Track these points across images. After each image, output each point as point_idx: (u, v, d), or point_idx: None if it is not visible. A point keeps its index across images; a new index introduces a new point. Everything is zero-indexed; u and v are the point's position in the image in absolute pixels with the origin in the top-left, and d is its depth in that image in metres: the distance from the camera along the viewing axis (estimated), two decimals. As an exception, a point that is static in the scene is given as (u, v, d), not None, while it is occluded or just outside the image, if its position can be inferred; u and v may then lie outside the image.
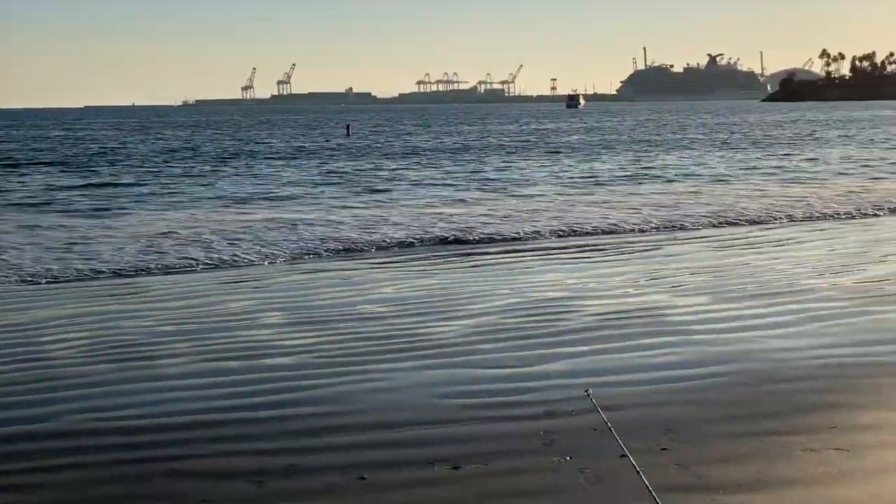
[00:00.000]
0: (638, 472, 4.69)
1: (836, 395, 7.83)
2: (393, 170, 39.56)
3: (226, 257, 16.75)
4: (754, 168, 38.21)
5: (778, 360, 9.05)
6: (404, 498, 5.91)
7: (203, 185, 32.83)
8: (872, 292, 12.43)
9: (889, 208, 23.20)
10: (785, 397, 7.82)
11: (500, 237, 19.16)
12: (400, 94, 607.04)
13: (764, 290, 12.67)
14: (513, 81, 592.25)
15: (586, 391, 6.32)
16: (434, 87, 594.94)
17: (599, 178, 34.02)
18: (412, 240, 18.80)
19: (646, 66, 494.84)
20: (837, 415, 7.30)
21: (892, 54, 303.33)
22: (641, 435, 6.91)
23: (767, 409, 7.53)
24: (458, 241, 18.75)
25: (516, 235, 19.39)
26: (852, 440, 6.70)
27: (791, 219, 21.58)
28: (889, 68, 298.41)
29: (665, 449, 6.63)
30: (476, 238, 19.07)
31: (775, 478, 6.03)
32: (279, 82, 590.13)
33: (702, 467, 6.24)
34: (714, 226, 20.64)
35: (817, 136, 66.86)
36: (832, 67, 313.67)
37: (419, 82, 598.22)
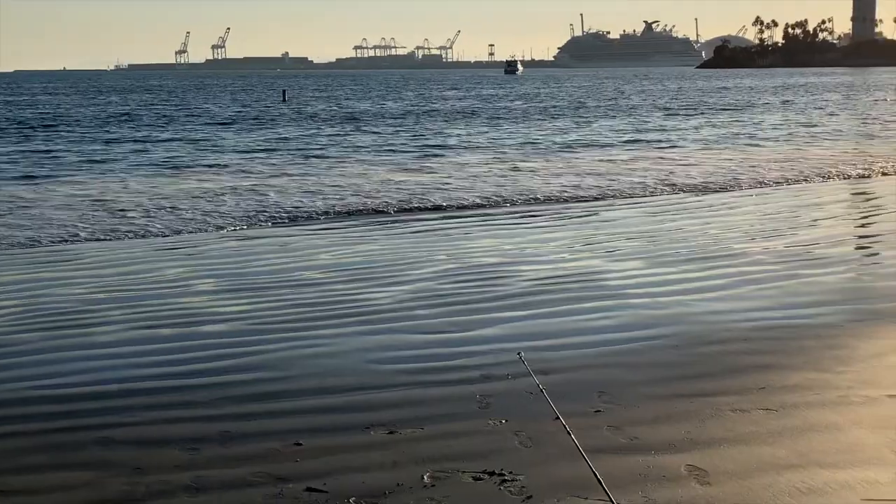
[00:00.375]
0: (569, 433, 4.75)
1: (766, 357, 7.99)
2: (331, 136, 39.27)
3: (160, 224, 16.52)
4: (696, 133, 38.64)
5: (710, 323, 9.21)
6: (341, 462, 5.91)
7: (138, 151, 32.27)
8: (802, 256, 12.68)
9: (820, 174, 23.64)
10: (717, 359, 7.96)
11: (440, 204, 19.13)
12: (337, 60, 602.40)
13: (697, 255, 12.86)
14: (451, 47, 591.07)
15: (519, 354, 6.38)
16: (371, 53, 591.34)
17: (539, 145, 34.14)
18: (350, 207, 18.70)
19: (583, 32, 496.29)
20: (767, 375, 7.45)
21: (823, 22, 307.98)
22: (576, 397, 7.00)
23: (699, 370, 7.66)
24: (398, 208, 18.69)
25: (456, 202, 19.39)
26: (781, 400, 6.85)
27: (727, 185, 21.84)
28: (821, 36, 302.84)
29: (599, 411, 6.72)
30: (416, 205, 19.02)
31: (706, 437, 6.15)
32: (214, 47, 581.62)
33: (634, 428, 6.33)
34: (651, 193, 20.83)
35: (754, 102, 67.71)
36: (765, 35, 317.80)
37: (356, 47, 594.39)
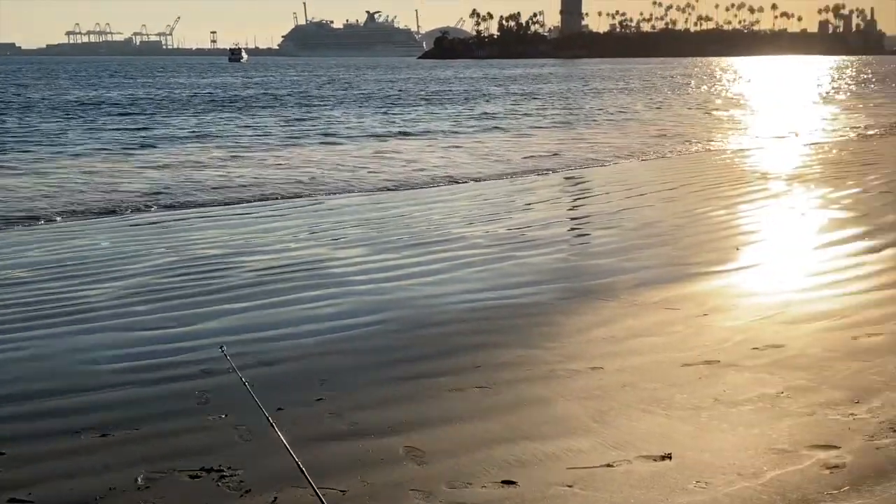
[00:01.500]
0: (271, 424, 4.76)
1: (481, 337, 8.31)
2: (29, 129, 36.96)
3: None
4: (416, 126, 39.54)
5: (429, 306, 9.46)
6: (48, 470, 5.58)
7: None
8: (516, 238, 13.28)
9: (538, 168, 24.86)
10: (434, 341, 8.19)
11: (160, 200, 18.48)
12: (48, 46, 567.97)
13: (419, 241, 13.17)
14: (170, 34, 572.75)
15: (221, 348, 6.27)
16: (86, 39, 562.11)
17: (272, 135, 33.76)
18: (62, 205, 17.72)
19: (307, 21, 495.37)
20: (481, 355, 7.74)
21: (535, 15, 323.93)
22: (298, 387, 7.00)
23: (418, 353, 7.85)
24: (117, 206, 17.89)
25: (177, 196, 18.82)
26: (493, 377, 7.14)
27: (446, 177, 22.49)
28: (533, 28, 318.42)
29: (321, 399, 6.74)
30: (135, 203, 18.28)
31: (423, 418, 6.31)
32: None
33: (356, 414, 6.40)
34: (377, 186, 21.12)
35: (475, 92, 70.16)
36: (482, 26, 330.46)
37: (69, 33, 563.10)
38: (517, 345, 8.06)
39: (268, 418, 4.77)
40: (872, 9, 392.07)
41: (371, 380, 7.16)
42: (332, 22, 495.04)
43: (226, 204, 17.58)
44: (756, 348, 7.72)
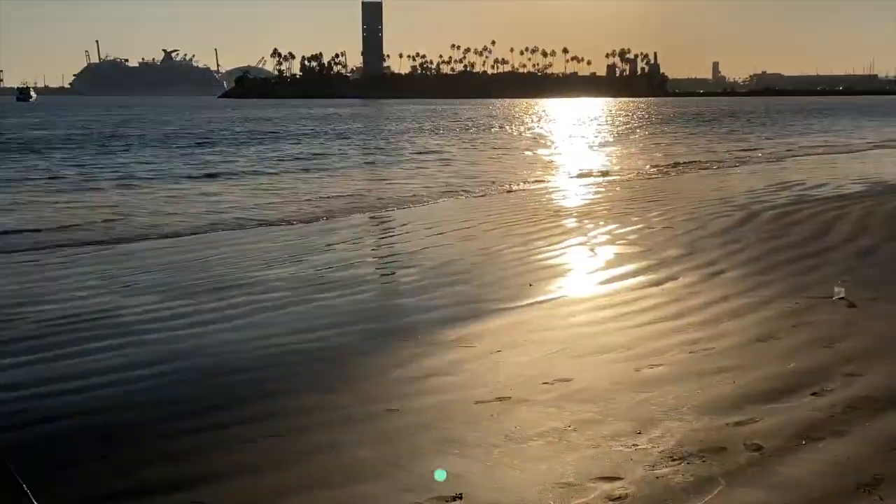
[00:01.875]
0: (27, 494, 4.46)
1: (277, 383, 8.16)
2: None
3: None
4: (213, 169, 38.87)
5: (223, 354, 9.23)
6: None
7: None
8: (316, 281, 13.18)
9: (341, 209, 24.85)
10: (227, 390, 7.98)
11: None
12: None
13: (216, 285, 12.86)
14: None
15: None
16: None
17: (64, 178, 32.37)
18: None
19: (100, 59, 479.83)
20: (276, 402, 7.59)
21: (337, 56, 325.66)
22: (81, 444, 6.66)
23: (209, 403, 7.62)
24: None
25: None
26: (287, 425, 7.01)
27: (249, 219, 22.16)
28: (335, 69, 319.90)
29: (105, 456, 6.43)
30: None
31: (213, 471, 6.11)
32: None
33: (141, 470, 6.14)
34: (174, 232, 20.56)
35: (281, 132, 69.61)
36: (284, 66, 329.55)
37: None
38: (314, 390, 7.97)
39: (22, 485, 4.45)
40: (655, 53, 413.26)
41: (158, 433, 6.89)
42: (126, 60, 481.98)
43: (7, 252, 16.63)
44: (546, 383, 7.93)
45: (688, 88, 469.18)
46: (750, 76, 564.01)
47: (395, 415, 7.22)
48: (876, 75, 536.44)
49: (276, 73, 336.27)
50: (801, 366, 8.28)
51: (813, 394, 7.46)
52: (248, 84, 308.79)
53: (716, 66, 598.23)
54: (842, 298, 10.98)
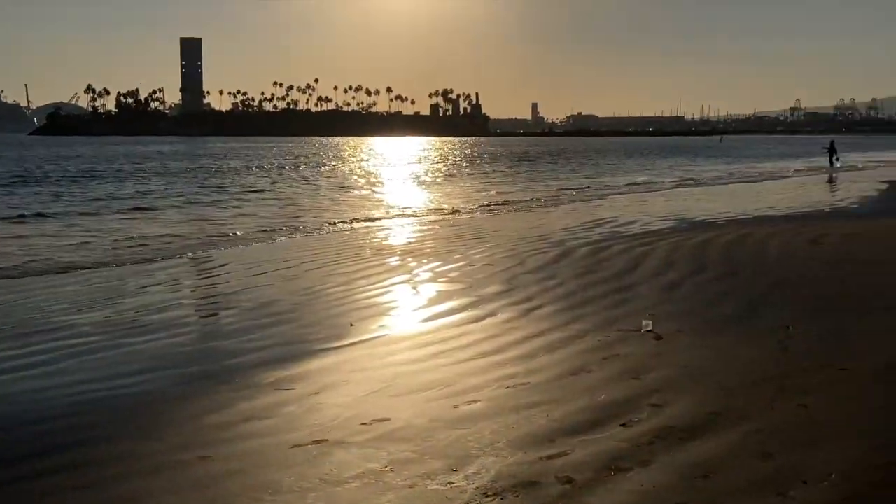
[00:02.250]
0: None
1: (84, 432, 7.82)
2: None
3: None
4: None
5: (25, 403, 8.77)
6: None
7: None
8: (129, 324, 12.73)
9: (159, 250, 24.14)
10: (29, 441, 7.58)
11: None
12: None
13: (19, 331, 12.25)
14: None
15: None
16: None
17: None
18: None
19: None
20: (82, 452, 7.27)
21: (154, 92, 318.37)
22: None
23: (14, 454, 7.22)
24: None
25: None
26: (95, 475, 6.71)
27: (62, 262, 21.24)
28: (153, 105, 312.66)
29: None
30: None
31: (11, 529, 5.81)
32: None
33: (-69, 532, 5.76)
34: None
35: (97, 171, 67.20)
36: (98, 102, 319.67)
37: None
38: (124, 438, 7.68)
39: None
40: (477, 94, 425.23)
41: (-49, 492, 6.48)
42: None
43: None
44: (364, 423, 7.91)
45: (509, 128, 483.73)
46: (567, 117, 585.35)
47: (208, 462, 7.03)
48: (682, 116, 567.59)
49: (90, 109, 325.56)
50: (610, 397, 8.57)
51: (622, 424, 7.72)
52: (61, 121, 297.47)
53: (535, 106, 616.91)
54: (650, 331, 11.47)
